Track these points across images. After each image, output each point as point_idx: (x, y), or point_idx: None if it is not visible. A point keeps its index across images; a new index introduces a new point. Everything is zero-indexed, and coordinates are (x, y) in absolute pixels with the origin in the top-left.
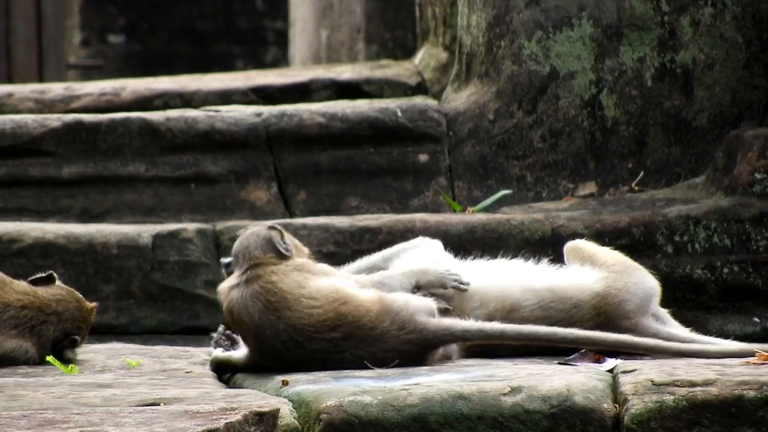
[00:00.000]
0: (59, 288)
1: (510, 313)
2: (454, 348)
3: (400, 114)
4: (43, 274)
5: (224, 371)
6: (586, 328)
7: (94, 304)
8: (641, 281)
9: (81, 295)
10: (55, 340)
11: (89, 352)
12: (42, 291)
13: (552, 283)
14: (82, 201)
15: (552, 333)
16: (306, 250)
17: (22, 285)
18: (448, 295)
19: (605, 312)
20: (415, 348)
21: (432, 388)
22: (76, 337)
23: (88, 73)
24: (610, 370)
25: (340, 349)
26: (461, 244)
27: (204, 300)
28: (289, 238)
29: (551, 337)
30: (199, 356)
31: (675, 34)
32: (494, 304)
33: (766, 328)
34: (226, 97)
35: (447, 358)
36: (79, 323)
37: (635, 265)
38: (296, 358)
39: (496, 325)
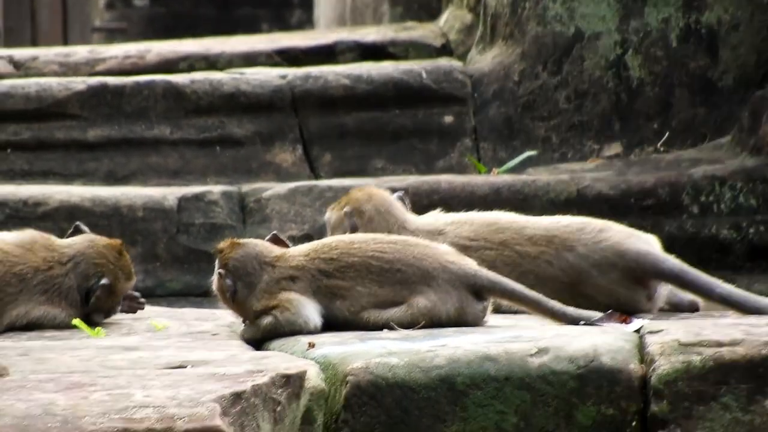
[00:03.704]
0: (78, 236)
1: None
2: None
3: (425, 76)
4: (71, 230)
5: None
6: None
7: (116, 240)
8: None
9: (101, 237)
10: (80, 290)
11: (117, 314)
12: (59, 242)
13: None
14: (108, 164)
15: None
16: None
17: (46, 240)
18: None
19: None
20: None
21: (459, 349)
22: (105, 280)
23: (112, 36)
24: (637, 331)
25: None
26: (487, 205)
27: None
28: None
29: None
30: (225, 318)
31: None
32: None
33: None
34: (250, 59)
35: None
36: (95, 260)
37: None
38: None
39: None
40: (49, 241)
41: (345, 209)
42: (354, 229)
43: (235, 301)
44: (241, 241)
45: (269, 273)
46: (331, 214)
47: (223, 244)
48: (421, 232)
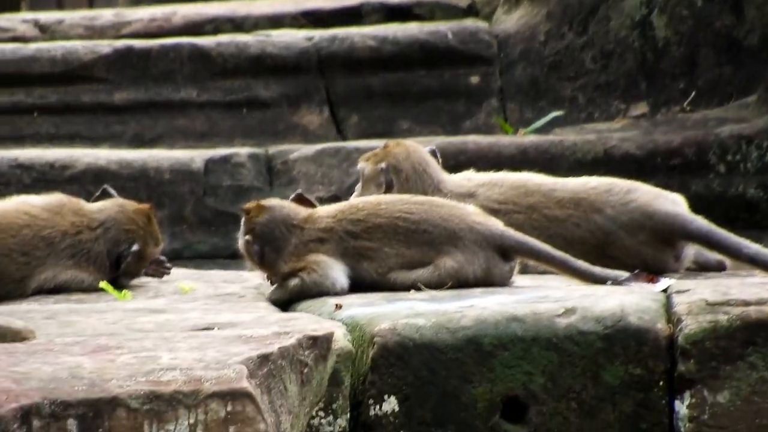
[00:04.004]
0: (106, 200)
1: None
2: None
3: (451, 36)
4: (98, 193)
5: None
6: None
7: (145, 205)
8: None
9: (130, 201)
10: (110, 255)
11: (142, 277)
12: (89, 206)
13: None
14: (134, 127)
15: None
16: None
17: (75, 204)
18: None
19: None
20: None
21: (486, 310)
22: (136, 247)
23: None
24: (664, 291)
25: None
26: (514, 165)
27: None
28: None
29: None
30: (252, 280)
31: None
32: None
33: None
34: (276, 21)
35: None
36: (126, 226)
37: None
38: None
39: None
40: (78, 206)
41: (381, 165)
42: (389, 187)
43: (262, 264)
44: (267, 203)
45: (297, 236)
46: (365, 166)
47: (249, 206)
48: (453, 195)
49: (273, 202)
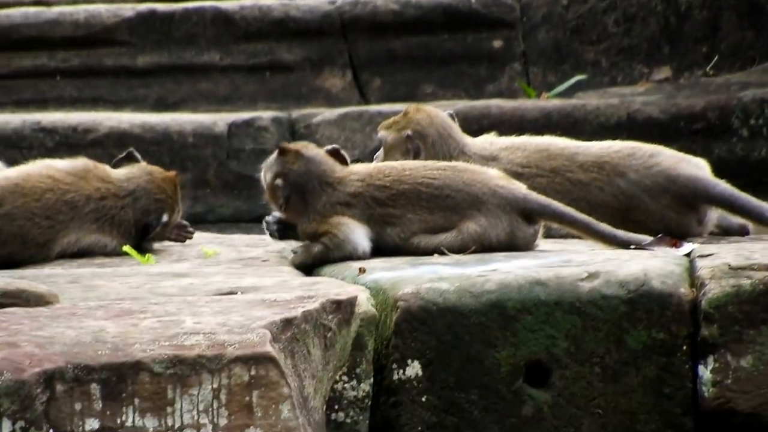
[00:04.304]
0: (132, 166)
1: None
2: None
3: (473, 0)
4: (123, 154)
5: None
6: None
7: (172, 172)
8: None
9: (156, 167)
10: (138, 224)
11: (165, 241)
12: (115, 174)
13: None
14: (157, 90)
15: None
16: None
17: (101, 170)
18: None
19: None
20: None
21: (509, 274)
22: (165, 217)
23: None
24: (687, 255)
25: None
26: (537, 129)
27: None
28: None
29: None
30: (275, 244)
31: None
32: None
33: None
34: None
35: None
36: (156, 196)
37: None
38: None
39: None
40: (105, 172)
41: (406, 132)
42: (417, 154)
43: (284, 208)
44: (307, 153)
45: (328, 194)
46: (387, 134)
47: (287, 147)
48: (477, 157)
49: (312, 151)
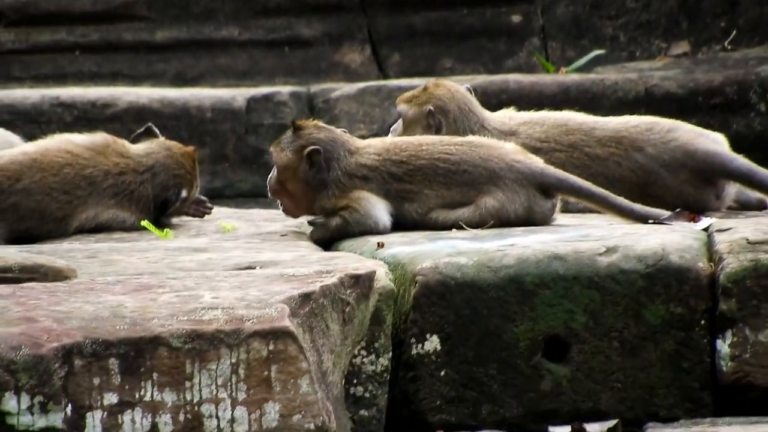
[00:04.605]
0: (151, 142)
1: None
2: None
3: None
4: (141, 129)
5: None
6: None
7: (190, 147)
8: None
9: (175, 143)
10: (157, 199)
11: (183, 216)
12: (134, 149)
13: None
14: (176, 65)
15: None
16: None
17: (121, 146)
18: None
19: None
20: None
21: (527, 248)
22: (184, 193)
23: None
24: (705, 229)
25: None
26: (555, 104)
27: None
28: None
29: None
30: (293, 220)
31: None
32: None
33: None
34: None
35: None
36: (175, 171)
37: None
38: None
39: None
40: (124, 148)
41: (428, 107)
42: (438, 129)
43: (309, 184)
44: (324, 125)
45: (348, 164)
46: (407, 108)
47: (302, 123)
48: (496, 132)
49: (326, 125)
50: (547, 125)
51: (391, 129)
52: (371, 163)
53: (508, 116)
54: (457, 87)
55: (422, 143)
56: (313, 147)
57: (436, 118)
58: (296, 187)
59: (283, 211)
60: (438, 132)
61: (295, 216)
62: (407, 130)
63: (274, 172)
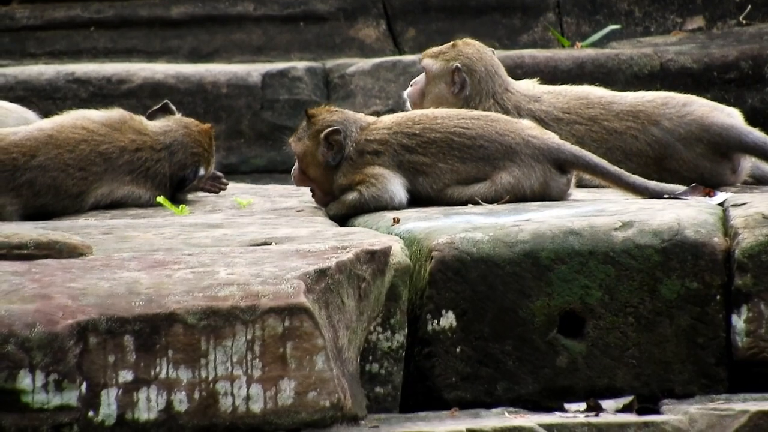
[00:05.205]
0: (168, 119)
1: None
2: None
3: None
4: (158, 106)
5: None
6: None
7: (207, 125)
8: None
9: (192, 120)
10: (173, 177)
11: (199, 192)
12: (151, 126)
13: None
14: (191, 41)
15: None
16: None
17: (138, 122)
18: None
19: None
20: None
21: (543, 224)
22: (202, 171)
23: None
24: (721, 204)
25: None
26: (570, 79)
27: None
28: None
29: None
30: (309, 194)
31: None
32: None
33: None
34: None
35: None
36: (193, 150)
37: None
38: None
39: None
40: (141, 125)
41: (455, 64)
42: (462, 87)
43: (328, 167)
44: (336, 107)
45: (360, 139)
46: (432, 63)
47: (314, 110)
48: (520, 95)
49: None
50: (568, 96)
51: (411, 82)
52: (381, 137)
53: (531, 84)
54: (486, 49)
55: (437, 116)
56: (329, 129)
57: (462, 76)
58: (317, 172)
59: (316, 201)
60: (462, 90)
61: (327, 204)
62: (430, 84)
63: (296, 164)
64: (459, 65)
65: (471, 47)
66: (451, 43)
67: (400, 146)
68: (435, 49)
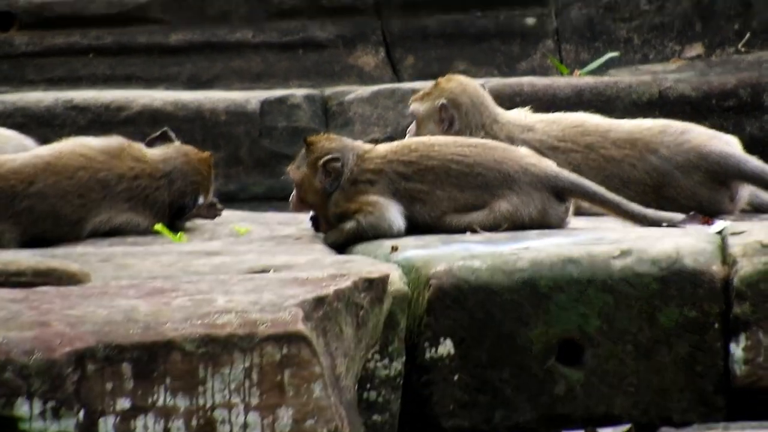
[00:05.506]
0: (167, 146)
1: None
2: None
3: None
4: (157, 133)
5: None
6: None
7: (206, 153)
8: None
9: (191, 148)
10: (173, 205)
11: (196, 219)
12: (150, 154)
13: None
14: (190, 68)
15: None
16: None
17: (136, 150)
18: None
19: None
20: None
21: (542, 252)
22: (201, 199)
23: None
24: (719, 232)
25: None
26: (569, 107)
27: None
28: None
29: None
30: (308, 222)
31: None
32: None
33: None
34: None
35: None
36: (192, 178)
37: None
38: None
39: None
40: (140, 152)
41: (440, 101)
42: (451, 123)
43: (326, 194)
44: (334, 135)
45: (357, 167)
46: (419, 106)
47: (313, 139)
48: (512, 125)
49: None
50: (563, 125)
51: (408, 131)
52: (375, 167)
53: (523, 114)
54: (469, 80)
55: (434, 143)
56: (327, 157)
57: (449, 112)
58: (315, 198)
59: (315, 230)
60: (450, 126)
61: (326, 231)
62: (420, 127)
63: (294, 191)
64: (444, 102)
65: (453, 82)
66: (434, 82)
67: (395, 174)
68: (420, 93)
